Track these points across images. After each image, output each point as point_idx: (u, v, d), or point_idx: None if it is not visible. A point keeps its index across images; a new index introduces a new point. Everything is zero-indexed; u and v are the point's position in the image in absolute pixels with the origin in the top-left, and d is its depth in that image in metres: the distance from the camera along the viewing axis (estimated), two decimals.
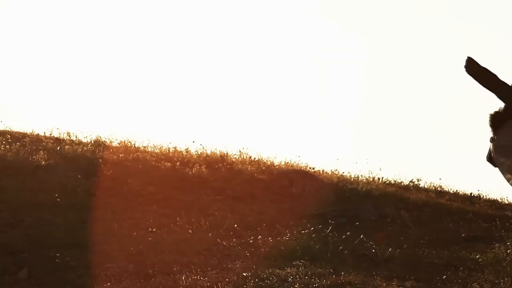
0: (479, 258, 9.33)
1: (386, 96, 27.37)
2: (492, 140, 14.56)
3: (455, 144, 25.09)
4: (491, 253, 9.46)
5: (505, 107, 14.74)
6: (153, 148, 14.36)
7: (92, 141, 14.61)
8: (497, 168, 14.21)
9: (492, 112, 14.80)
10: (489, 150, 14.74)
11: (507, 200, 13.99)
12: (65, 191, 11.11)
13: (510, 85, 14.39)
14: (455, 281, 8.23)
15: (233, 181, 12.66)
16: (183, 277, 7.84)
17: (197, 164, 13.16)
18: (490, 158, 14.89)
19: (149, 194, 11.67)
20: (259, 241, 9.41)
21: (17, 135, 14.54)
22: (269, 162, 14.21)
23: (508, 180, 14.42)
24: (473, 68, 14.61)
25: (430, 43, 27.01)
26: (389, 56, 27.18)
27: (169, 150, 14.21)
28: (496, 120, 14.88)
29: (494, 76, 14.51)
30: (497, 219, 11.90)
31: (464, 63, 14.34)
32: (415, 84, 26.68)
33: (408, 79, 26.95)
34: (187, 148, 14.39)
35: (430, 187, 14.34)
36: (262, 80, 26.23)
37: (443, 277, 8.36)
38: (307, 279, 7.88)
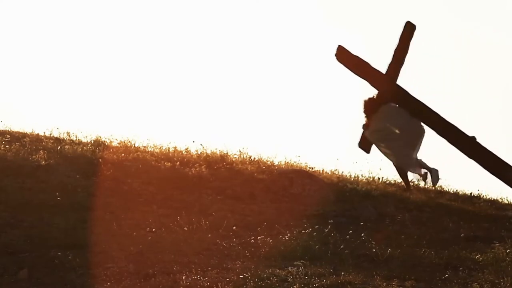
0: (479, 258, 9.32)
1: None
2: (364, 126, 14.82)
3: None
4: (491, 253, 9.46)
5: (378, 94, 14.98)
6: (153, 148, 14.35)
7: (92, 141, 14.60)
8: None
9: (365, 98, 14.97)
10: (361, 136, 14.98)
11: (507, 200, 13.98)
12: (65, 191, 11.10)
13: (384, 73, 14.60)
14: (455, 281, 8.23)
15: (233, 181, 12.66)
16: (183, 277, 7.85)
17: (197, 164, 13.15)
18: (362, 144, 15.16)
19: (149, 194, 11.66)
20: (259, 241, 9.42)
21: (17, 135, 14.53)
22: (269, 162, 14.20)
23: (395, 162, 14.43)
24: (344, 57, 14.84)
25: (430, 43, 26.99)
26: (389, 55, 27.16)
27: (169, 150, 14.20)
28: (370, 107, 15.09)
29: (366, 64, 14.73)
30: (497, 219, 11.89)
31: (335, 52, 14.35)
32: (415, 84, 26.66)
33: (408, 79, 26.94)
34: (187, 148, 14.39)
35: (430, 187, 14.32)
36: (262, 80, 26.23)
37: (443, 277, 8.36)
38: (307, 279, 7.88)
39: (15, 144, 13.25)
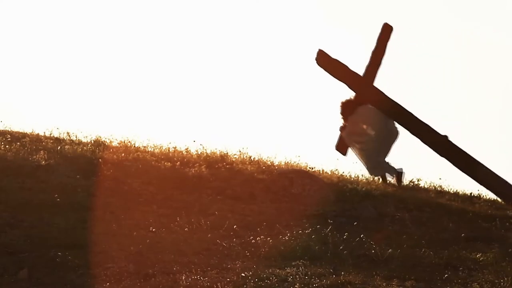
0: (479, 258, 9.33)
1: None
2: (341, 128, 14.97)
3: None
4: (491, 253, 9.46)
5: (355, 96, 15.13)
6: (153, 148, 14.34)
7: (92, 141, 14.60)
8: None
9: (342, 100, 15.18)
10: (338, 138, 15.08)
11: None
12: (65, 191, 11.10)
13: (361, 75, 14.72)
14: (455, 281, 8.24)
15: (233, 181, 12.66)
16: (183, 277, 7.85)
17: (197, 164, 13.15)
18: (339, 147, 15.27)
19: (149, 194, 11.66)
20: (259, 241, 9.41)
21: (17, 135, 14.53)
22: (269, 162, 14.20)
23: (365, 165, 14.79)
24: (324, 60, 15.03)
25: (430, 43, 27.02)
26: (389, 55, 27.15)
27: (169, 150, 14.19)
28: (347, 109, 15.30)
29: (344, 67, 14.90)
30: (497, 219, 11.89)
31: (315, 56, 14.58)
32: (415, 83, 26.69)
33: (408, 78, 26.95)
34: (187, 148, 14.38)
35: (430, 187, 14.32)
36: (262, 80, 26.22)
37: (443, 277, 8.36)
38: (307, 279, 7.88)
39: (15, 144, 13.25)
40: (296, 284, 7.71)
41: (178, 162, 13.25)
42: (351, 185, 13.22)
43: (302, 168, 13.93)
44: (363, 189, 13.09)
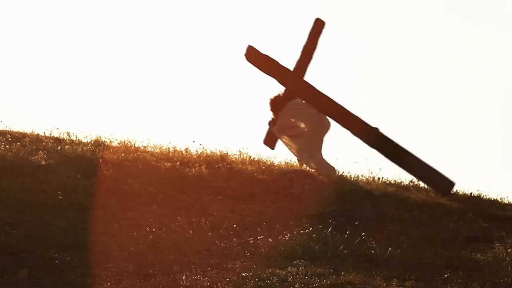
0: (479, 258, 9.33)
1: (385, 95, 27.38)
2: (270, 123, 15.08)
3: (455, 144, 25.10)
4: (491, 253, 9.47)
5: (285, 90, 15.25)
6: (153, 148, 14.33)
7: (92, 141, 14.59)
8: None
9: (271, 97, 15.33)
10: (266, 133, 15.20)
11: (507, 200, 13.98)
12: (65, 191, 11.11)
13: (291, 70, 14.83)
14: (455, 281, 8.24)
15: (233, 181, 12.66)
16: (183, 277, 7.86)
17: (197, 164, 13.15)
18: (267, 141, 15.38)
19: (149, 194, 11.67)
20: (259, 241, 9.42)
21: (17, 135, 14.52)
22: (269, 162, 14.19)
23: (297, 157, 14.95)
24: (253, 56, 15.14)
25: (430, 42, 27.01)
26: (389, 55, 27.18)
27: (169, 150, 14.19)
28: (277, 104, 15.46)
29: (275, 62, 15.02)
30: (497, 219, 11.90)
31: (244, 51, 14.69)
32: (415, 83, 26.69)
33: (408, 78, 26.95)
34: (187, 148, 14.36)
35: (429, 187, 14.31)
36: (262, 80, 26.19)
37: (443, 277, 8.37)
38: (307, 279, 7.89)
39: (15, 144, 13.25)
40: (296, 284, 7.71)
41: (178, 162, 13.25)
42: (351, 185, 13.22)
43: (302, 168, 13.93)
44: (363, 189, 13.09)
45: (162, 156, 13.68)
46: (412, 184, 14.33)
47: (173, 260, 8.47)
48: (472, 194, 14.06)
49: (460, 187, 14.25)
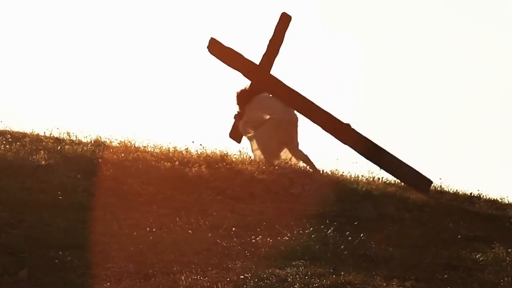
0: (479, 258, 9.33)
1: (385, 95, 27.40)
2: (235, 117, 15.14)
3: (455, 144, 25.12)
4: (491, 253, 9.47)
5: (251, 84, 15.31)
6: (153, 148, 14.33)
7: (92, 141, 14.59)
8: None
9: (238, 91, 15.39)
10: (232, 126, 15.27)
11: (507, 200, 13.99)
12: (65, 191, 11.11)
13: (257, 64, 14.90)
14: (455, 281, 8.24)
15: (233, 181, 12.66)
16: (183, 277, 7.86)
17: (197, 164, 13.15)
18: (233, 135, 15.43)
19: (149, 194, 11.67)
20: (259, 241, 9.42)
21: (17, 135, 14.52)
22: None
23: (253, 151, 15.14)
24: (216, 48, 15.19)
25: (430, 42, 27.02)
26: (389, 55, 27.19)
27: (169, 150, 14.18)
28: (243, 98, 15.52)
29: (239, 56, 15.06)
30: (497, 219, 11.91)
31: (207, 44, 14.80)
32: (415, 83, 26.70)
33: (408, 77, 26.97)
34: (187, 148, 14.36)
35: (430, 187, 14.31)
36: None
37: (443, 277, 8.37)
38: (307, 279, 7.89)
39: (15, 144, 13.25)
40: (296, 284, 7.71)
41: (178, 162, 13.25)
42: (351, 185, 13.22)
43: (302, 168, 13.93)
44: (363, 189, 13.09)
45: (162, 156, 13.68)
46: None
47: (173, 260, 8.47)
48: (472, 194, 14.06)
49: (460, 187, 14.26)
